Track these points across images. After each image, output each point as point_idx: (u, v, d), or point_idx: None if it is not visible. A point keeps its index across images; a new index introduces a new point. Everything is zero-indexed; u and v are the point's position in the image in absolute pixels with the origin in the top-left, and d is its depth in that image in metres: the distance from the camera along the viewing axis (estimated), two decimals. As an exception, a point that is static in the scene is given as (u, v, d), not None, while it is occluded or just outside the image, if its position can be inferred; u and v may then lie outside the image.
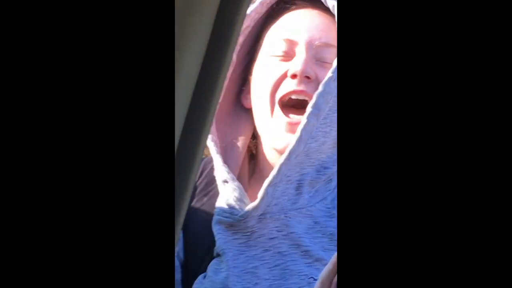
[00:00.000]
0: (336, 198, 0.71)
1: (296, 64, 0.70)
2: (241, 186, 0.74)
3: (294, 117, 0.72)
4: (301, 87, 0.70)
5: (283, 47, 0.71)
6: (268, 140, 0.75)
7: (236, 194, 0.73)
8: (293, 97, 0.71)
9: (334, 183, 0.74)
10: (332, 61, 0.70)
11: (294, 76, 0.70)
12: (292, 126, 0.71)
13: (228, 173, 0.73)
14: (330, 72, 0.69)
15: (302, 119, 0.69)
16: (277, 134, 0.73)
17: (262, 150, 0.77)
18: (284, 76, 0.71)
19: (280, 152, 0.73)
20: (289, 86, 0.71)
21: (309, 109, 0.69)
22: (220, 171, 0.73)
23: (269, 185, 0.71)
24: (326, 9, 0.73)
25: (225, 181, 0.73)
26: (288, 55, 0.71)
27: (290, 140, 0.70)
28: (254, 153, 0.80)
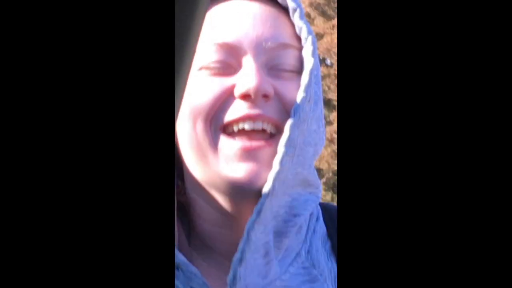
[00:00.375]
0: (311, 249, 0.52)
1: (246, 79, 0.46)
2: (197, 271, 0.48)
3: (248, 142, 0.48)
4: (256, 111, 0.46)
5: (219, 55, 0.48)
6: (210, 185, 0.49)
7: (194, 284, 0.48)
8: (247, 127, 0.47)
9: (304, 229, 0.52)
10: (294, 68, 0.49)
11: (245, 96, 0.46)
12: (247, 153, 0.47)
13: (177, 253, 0.48)
14: (301, 92, 0.48)
15: (274, 164, 0.47)
16: (224, 169, 0.47)
17: (196, 201, 0.51)
18: (227, 96, 0.47)
19: (230, 194, 0.49)
20: (239, 110, 0.47)
21: (281, 148, 0.47)
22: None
23: (239, 263, 0.47)
24: None
25: (176, 267, 0.48)
26: (228, 66, 0.48)
27: (244, 172, 0.47)
28: (183, 205, 0.53)
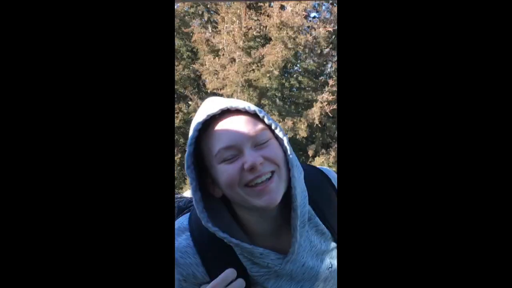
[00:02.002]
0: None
1: (249, 160, 0.87)
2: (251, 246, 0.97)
3: (262, 186, 0.90)
4: (260, 172, 0.88)
5: (228, 153, 0.88)
6: (247, 208, 0.94)
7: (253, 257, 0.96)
8: (258, 181, 0.88)
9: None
10: (268, 139, 0.90)
11: (252, 169, 0.86)
12: (263, 191, 0.89)
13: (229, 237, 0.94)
14: (288, 152, 0.91)
15: (293, 234, 0.93)
16: (255, 202, 0.90)
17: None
18: (242, 171, 0.88)
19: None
20: (251, 175, 0.88)
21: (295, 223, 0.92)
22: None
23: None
24: (247, 113, 0.90)
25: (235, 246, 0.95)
26: (235, 156, 0.88)
27: (264, 202, 0.89)
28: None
